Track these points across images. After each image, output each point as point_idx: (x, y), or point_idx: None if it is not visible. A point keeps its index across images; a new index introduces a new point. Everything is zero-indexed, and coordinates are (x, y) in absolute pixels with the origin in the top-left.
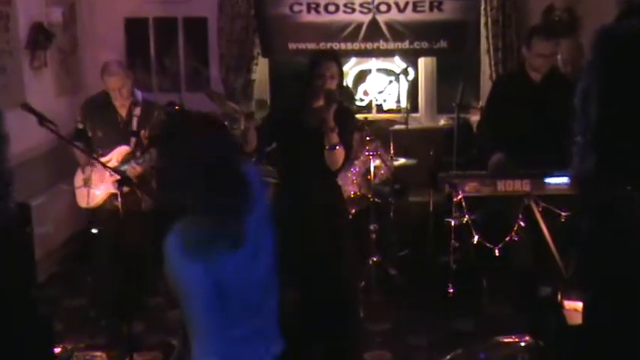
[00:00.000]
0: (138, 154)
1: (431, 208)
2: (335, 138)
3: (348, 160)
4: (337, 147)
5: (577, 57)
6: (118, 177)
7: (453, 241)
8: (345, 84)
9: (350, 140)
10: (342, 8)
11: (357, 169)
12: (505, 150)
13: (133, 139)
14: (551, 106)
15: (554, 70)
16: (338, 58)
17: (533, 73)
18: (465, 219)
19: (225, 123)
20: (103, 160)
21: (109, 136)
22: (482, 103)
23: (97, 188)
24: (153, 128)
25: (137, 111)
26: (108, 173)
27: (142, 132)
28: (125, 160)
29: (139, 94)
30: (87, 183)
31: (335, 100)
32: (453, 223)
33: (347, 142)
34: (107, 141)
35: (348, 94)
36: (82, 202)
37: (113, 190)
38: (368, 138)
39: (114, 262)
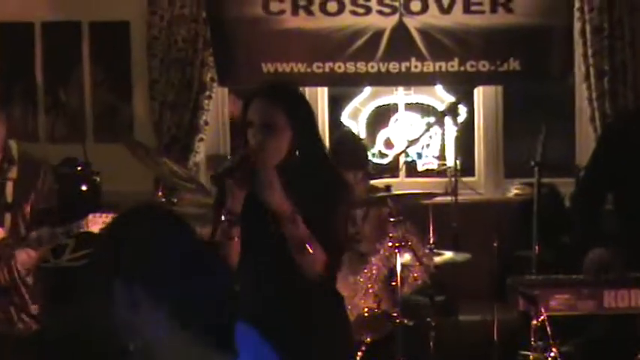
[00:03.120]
0: (23, 231)
1: (495, 336)
2: (298, 231)
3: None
4: (307, 245)
5: None
6: None
7: None
8: (350, 130)
9: (338, 231)
10: (349, 7)
11: (374, 271)
12: (616, 239)
13: (7, 215)
14: None
15: None
16: (276, 94)
17: None
18: (553, 353)
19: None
20: None
21: None
22: (579, 160)
23: None
24: (41, 199)
25: (13, 172)
26: None
27: (24, 205)
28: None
29: (13, 147)
30: None
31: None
32: (532, 359)
33: (331, 234)
34: None
35: (356, 145)
36: None
37: None
38: (392, 219)
39: None
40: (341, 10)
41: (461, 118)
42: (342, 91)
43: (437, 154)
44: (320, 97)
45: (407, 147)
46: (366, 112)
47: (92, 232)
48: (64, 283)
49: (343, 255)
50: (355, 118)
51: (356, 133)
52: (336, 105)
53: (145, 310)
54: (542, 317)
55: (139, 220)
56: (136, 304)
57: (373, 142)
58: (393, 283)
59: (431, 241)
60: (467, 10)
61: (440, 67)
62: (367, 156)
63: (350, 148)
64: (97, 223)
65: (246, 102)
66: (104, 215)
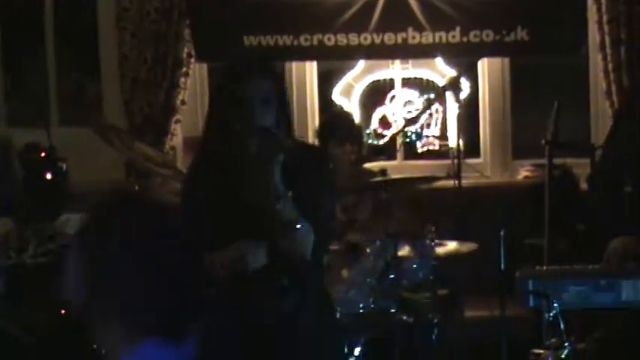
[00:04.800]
0: None
1: (503, 331)
2: (289, 211)
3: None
4: (297, 226)
5: None
6: None
7: None
8: (339, 106)
9: (328, 207)
10: None
11: (369, 264)
12: (637, 225)
13: None
14: None
15: None
16: (270, 70)
17: None
18: (565, 351)
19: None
20: None
21: None
22: (594, 138)
23: None
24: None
25: None
26: None
27: None
28: None
29: None
30: None
31: (278, 145)
32: (543, 358)
33: (320, 211)
34: None
35: (346, 119)
36: None
37: None
38: (389, 206)
39: None
40: None
41: (464, 94)
42: (332, 65)
43: (438, 133)
44: (308, 73)
45: (405, 126)
46: (360, 88)
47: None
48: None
49: (330, 237)
50: (348, 95)
51: (347, 110)
52: (327, 81)
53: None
54: (554, 312)
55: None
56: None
57: (368, 122)
58: (391, 277)
59: (432, 230)
60: None
61: (440, 37)
62: (360, 133)
63: (340, 122)
64: (70, 225)
65: (236, 79)
66: (79, 217)
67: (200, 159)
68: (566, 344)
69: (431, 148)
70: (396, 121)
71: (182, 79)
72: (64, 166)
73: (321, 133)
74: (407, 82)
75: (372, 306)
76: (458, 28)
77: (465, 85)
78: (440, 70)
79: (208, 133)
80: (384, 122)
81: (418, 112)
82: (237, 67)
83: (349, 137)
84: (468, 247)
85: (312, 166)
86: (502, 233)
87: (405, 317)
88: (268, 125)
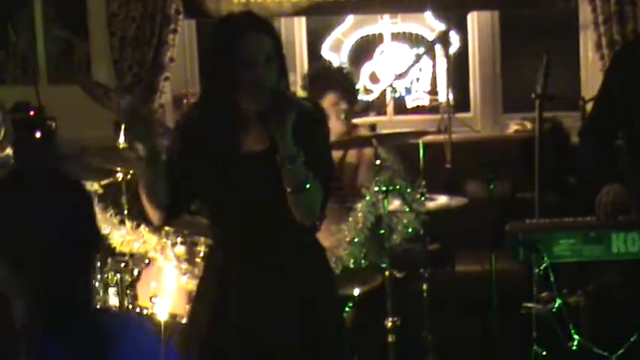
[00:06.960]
0: None
1: (494, 285)
2: (300, 170)
3: (332, 204)
4: (307, 185)
5: None
6: None
7: (535, 345)
8: (327, 61)
9: (326, 167)
10: None
11: (359, 219)
12: (628, 176)
13: None
14: None
15: None
16: (271, 26)
17: None
18: (556, 304)
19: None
20: None
21: None
22: (584, 91)
23: None
24: None
25: None
26: None
27: None
28: None
29: None
30: None
31: (292, 105)
32: (534, 312)
33: (323, 170)
34: None
35: (339, 69)
36: None
37: None
38: (379, 161)
39: None
40: None
41: (453, 48)
42: (321, 21)
43: (428, 88)
44: (297, 28)
45: (394, 81)
46: (349, 43)
47: None
48: None
49: (329, 194)
50: (337, 50)
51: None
52: (316, 37)
53: None
54: (544, 265)
55: None
56: None
57: (357, 77)
58: (381, 232)
59: (422, 185)
60: None
61: None
62: (353, 83)
63: (336, 76)
64: None
65: (233, 38)
66: None
67: (200, 110)
68: (557, 299)
69: (420, 103)
70: (385, 76)
71: (170, 37)
72: (53, 125)
73: (314, 86)
74: (396, 37)
75: (363, 261)
76: None
77: (455, 39)
78: (429, 25)
79: (210, 89)
80: (373, 77)
81: (407, 66)
82: (235, 24)
83: (345, 92)
84: (458, 201)
85: (316, 123)
86: (491, 186)
87: (395, 272)
88: (274, 84)
